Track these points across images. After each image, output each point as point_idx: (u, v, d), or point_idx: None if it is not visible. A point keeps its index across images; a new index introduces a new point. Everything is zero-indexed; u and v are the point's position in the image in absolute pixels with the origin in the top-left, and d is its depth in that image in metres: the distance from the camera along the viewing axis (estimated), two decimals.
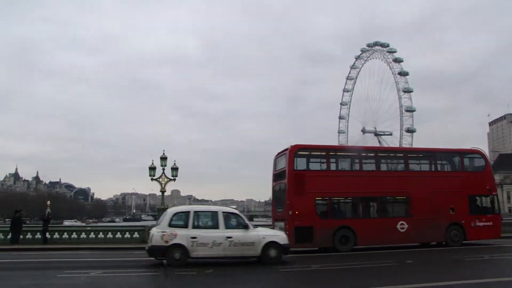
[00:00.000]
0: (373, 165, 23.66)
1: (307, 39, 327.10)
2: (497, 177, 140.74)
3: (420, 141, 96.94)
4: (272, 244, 16.55)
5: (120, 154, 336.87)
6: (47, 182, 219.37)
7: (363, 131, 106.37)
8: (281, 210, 22.42)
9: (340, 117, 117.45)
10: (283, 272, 14.94)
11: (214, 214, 16.96)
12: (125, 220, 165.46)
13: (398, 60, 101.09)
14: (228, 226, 16.51)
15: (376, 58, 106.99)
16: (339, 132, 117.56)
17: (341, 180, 22.39)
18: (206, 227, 16.48)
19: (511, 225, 32.84)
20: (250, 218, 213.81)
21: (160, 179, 30.44)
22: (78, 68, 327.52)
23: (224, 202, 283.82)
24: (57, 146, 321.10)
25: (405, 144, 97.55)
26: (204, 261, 16.19)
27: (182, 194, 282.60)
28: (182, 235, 15.74)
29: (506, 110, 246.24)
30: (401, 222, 22.37)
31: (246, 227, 16.74)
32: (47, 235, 27.37)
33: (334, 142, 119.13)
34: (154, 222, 33.05)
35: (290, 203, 21.27)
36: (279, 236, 17.32)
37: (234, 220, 17.03)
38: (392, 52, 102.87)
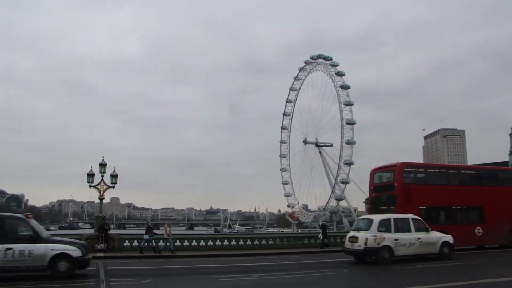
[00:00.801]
0: (457, 180, 28.19)
1: (251, 48, 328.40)
2: None
3: (359, 153, 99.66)
4: (445, 244, 20.78)
5: (56, 159, 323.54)
6: None
7: (305, 141, 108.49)
8: None
9: (283, 127, 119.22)
10: (458, 265, 18.63)
11: (406, 219, 20.86)
12: (61, 228, 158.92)
13: (340, 74, 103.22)
14: (416, 229, 20.41)
15: (319, 71, 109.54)
16: (281, 142, 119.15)
17: (436, 192, 26.47)
18: (402, 230, 20.10)
19: None
20: (191, 227, 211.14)
21: (99, 186, 29.51)
22: (9, 68, 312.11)
23: (164, 211, 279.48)
24: None
25: (345, 156, 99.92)
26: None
27: (122, 201, 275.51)
28: (389, 238, 19.47)
29: (440, 125, 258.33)
30: (477, 227, 26.47)
31: (427, 229, 20.82)
32: None
33: (276, 152, 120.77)
34: (91, 231, 31.95)
35: (402, 211, 23.24)
36: (449, 237, 21.33)
37: (419, 224, 20.86)
38: (334, 65, 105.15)
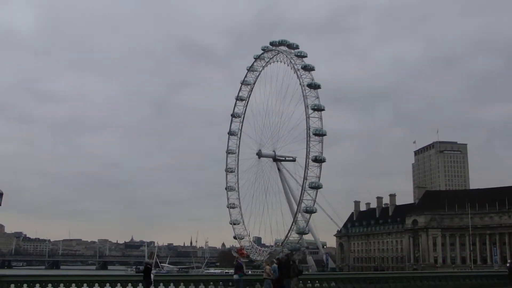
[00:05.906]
0: None
1: (185, 26, 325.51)
2: (422, 219, 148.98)
3: (330, 172, 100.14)
4: None
5: None
6: None
7: (259, 154, 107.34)
8: None
9: (230, 133, 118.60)
10: None
11: None
12: None
13: (308, 68, 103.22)
14: None
15: (280, 61, 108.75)
16: (227, 152, 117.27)
17: None
18: None
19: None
20: (104, 266, 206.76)
21: None
22: None
23: (67, 243, 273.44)
24: None
25: (311, 177, 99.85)
26: None
27: (7, 230, 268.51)
28: None
29: (434, 137, 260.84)
30: None
31: None
32: None
33: (221, 165, 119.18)
34: None
35: None
36: None
37: None
38: (301, 56, 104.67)
